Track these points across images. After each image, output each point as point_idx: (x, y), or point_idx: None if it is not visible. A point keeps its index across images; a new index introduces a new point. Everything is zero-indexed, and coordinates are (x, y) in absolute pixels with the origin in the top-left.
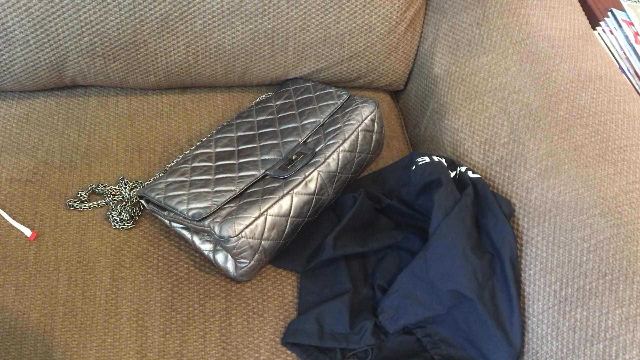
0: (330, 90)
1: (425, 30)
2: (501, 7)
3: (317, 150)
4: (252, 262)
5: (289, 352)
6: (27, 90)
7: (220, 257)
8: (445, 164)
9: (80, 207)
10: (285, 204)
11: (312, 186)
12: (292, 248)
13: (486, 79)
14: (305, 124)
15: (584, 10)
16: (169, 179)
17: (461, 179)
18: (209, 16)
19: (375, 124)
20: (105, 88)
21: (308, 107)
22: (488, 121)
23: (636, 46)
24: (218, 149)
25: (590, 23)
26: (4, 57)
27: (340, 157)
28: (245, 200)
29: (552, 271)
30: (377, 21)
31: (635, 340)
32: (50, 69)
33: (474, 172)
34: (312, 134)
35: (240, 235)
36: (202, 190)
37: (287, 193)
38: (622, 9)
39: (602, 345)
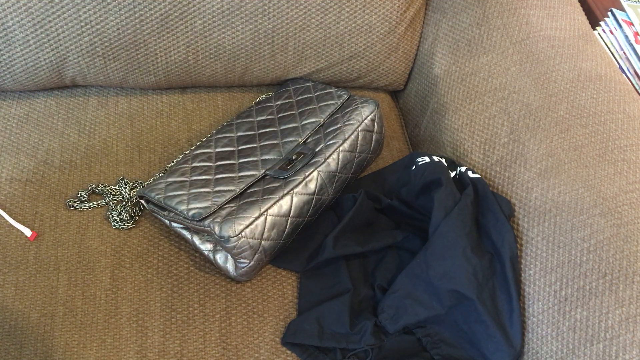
0: (330, 90)
1: (425, 30)
2: (501, 7)
3: (317, 150)
4: (252, 262)
5: (289, 352)
6: (27, 90)
7: (220, 257)
8: (445, 164)
9: (80, 207)
10: (285, 204)
11: (312, 186)
12: (292, 248)
13: (486, 79)
14: (305, 124)
15: (584, 10)
16: (169, 179)
17: (461, 179)
18: (209, 16)
19: (375, 124)
20: (105, 88)
21: (308, 107)
22: (488, 121)
23: (636, 46)
24: (218, 149)
25: (590, 23)
26: (4, 57)
27: (340, 157)
28: (245, 200)
29: (552, 271)
30: (377, 21)
31: (635, 340)
32: (50, 69)
33: (474, 172)
34: (312, 134)
35: (240, 235)
36: (202, 190)
37: (287, 193)
38: (622, 9)
39: (602, 345)
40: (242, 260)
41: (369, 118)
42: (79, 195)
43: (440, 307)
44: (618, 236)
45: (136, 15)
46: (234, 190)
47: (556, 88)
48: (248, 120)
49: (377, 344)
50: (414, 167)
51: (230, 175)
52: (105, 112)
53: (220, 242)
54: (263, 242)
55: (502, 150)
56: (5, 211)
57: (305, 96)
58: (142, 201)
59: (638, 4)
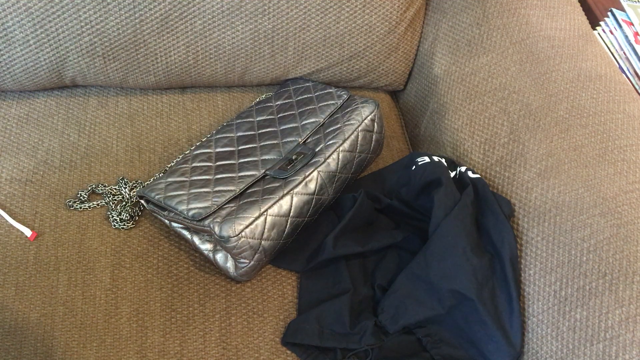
0: (330, 90)
1: (425, 30)
2: (501, 7)
3: (317, 150)
4: (252, 262)
5: (289, 352)
6: (27, 90)
7: (220, 257)
8: (445, 164)
9: (80, 207)
10: (285, 204)
11: (312, 186)
12: (292, 248)
13: (486, 79)
14: (305, 124)
15: (584, 10)
16: (169, 179)
17: (461, 179)
18: (209, 16)
19: (375, 124)
20: (105, 88)
21: (308, 107)
22: (488, 121)
23: (636, 46)
24: (218, 149)
25: (590, 23)
26: (4, 57)
27: (340, 157)
28: (245, 200)
29: (552, 271)
30: (377, 21)
31: (635, 340)
32: (50, 69)
33: (474, 172)
34: (312, 134)
35: (240, 235)
36: (202, 190)
37: (287, 193)
38: (622, 9)
39: (602, 345)
40: (242, 260)
41: (369, 118)
42: (79, 195)
43: (440, 307)
44: (618, 236)
45: (136, 15)
46: (234, 190)
47: (556, 88)
48: (248, 120)
49: (377, 344)
50: (414, 167)
51: (230, 175)
52: (105, 112)
53: (220, 242)
54: (263, 242)
55: (502, 150)
56: (5, 211)
57: (305, 96)
58: (142, 201)
59: (638, 4)
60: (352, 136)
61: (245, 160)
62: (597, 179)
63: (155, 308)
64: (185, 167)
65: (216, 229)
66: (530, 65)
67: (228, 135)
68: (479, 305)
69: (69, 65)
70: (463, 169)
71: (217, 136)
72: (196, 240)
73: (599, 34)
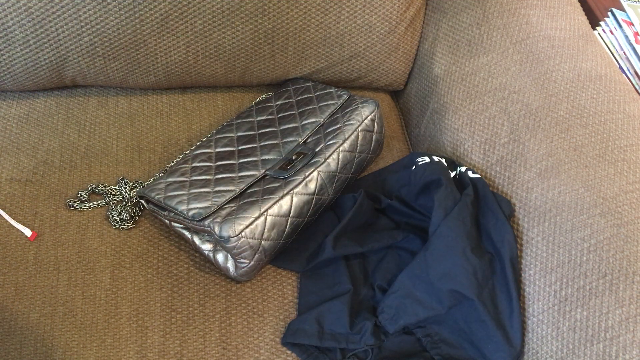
0: (330, 90)
1: (425, 30)
2: (501, 7)
3: (317, 150)
4: (252, 262)
5: (289, 352)
6: (27, 90)
7: (220, 257)
8: (445, 164)
9: (80, 207)
10: (285, 204)
11: (312, 186)
12: (292, 248)
13: (486, 79)
14: (305, 124)
15: (584, 10)
16: (169, 179)
17: (461, 179)
18: (209, 16)
19: (375, 124)
20: (105, 88)
21: (308, 107)
22: (488, 121)
23: (636, 46)
24: (218, 149)
25: (590, 23)
26: (4, 57)
27: (340, 157)
28: (245, 200)
29: (552, 271)
30: (377, 21)
31: (635, 340)
32: (50, 69)
33: (474, 172)
34: (312, 134)
35: (240, 235)
36: (202, 190)
37: (287, 193)
38: (622, 9)
39: (602, 345)
40: (242, 260)
41: (369, 118)
42: (79, 195)
43: (440, 307)
44: (618, 236)
45: (136, 15)
46: (234, 190)
47: (556, 88)
48: (248, 120)
49: (377, 344)
50: (414, 167)
51: (230, 175)
52: (105, 112)
53: (220, 242)
54: (263, 242)
55: (502, 150)
56: (5, 211)
57: (305, 96)
58: (142, 201)
59: (638, 4)
60: (352, 136)
61: (245, 160)
62: (597, 179)
63: (155, 308)
64: (185, 167)
65: (216, 229)
66: (531, 65)
67: (228, 135)
68: (478, 305)
69: (69, 65)
70: (463, 169)
71: (217, 136)
72: (196, 240)
73: (599, 34)
